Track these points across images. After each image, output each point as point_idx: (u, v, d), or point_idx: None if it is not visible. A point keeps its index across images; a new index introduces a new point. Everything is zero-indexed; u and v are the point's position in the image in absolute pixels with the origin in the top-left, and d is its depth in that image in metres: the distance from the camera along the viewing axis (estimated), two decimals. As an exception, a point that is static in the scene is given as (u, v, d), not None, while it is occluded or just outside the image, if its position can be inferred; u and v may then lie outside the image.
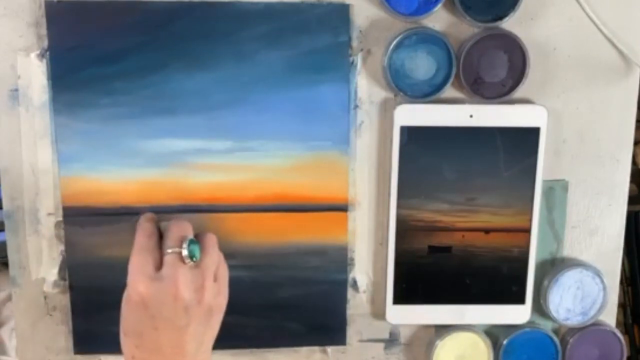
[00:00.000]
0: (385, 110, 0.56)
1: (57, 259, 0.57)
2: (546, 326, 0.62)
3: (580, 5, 0.55)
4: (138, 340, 0.48)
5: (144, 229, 0.50)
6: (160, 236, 0.50)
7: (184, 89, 0.54)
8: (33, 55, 0.53)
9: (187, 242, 0.48)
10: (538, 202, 0.57)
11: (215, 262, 0.50)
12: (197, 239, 0.50)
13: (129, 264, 0.48)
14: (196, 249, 0.49)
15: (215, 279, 0.50)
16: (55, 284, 0.57)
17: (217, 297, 0.50)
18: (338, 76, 0.55)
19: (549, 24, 0.56)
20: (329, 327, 0.60)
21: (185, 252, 0.48)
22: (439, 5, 0.54)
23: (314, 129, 0.56)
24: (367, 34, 0.55)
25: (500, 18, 0.54)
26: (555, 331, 0.62)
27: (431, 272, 0.59)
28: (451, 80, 0.55)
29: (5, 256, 0.57)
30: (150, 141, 0.55)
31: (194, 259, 0.48)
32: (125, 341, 0.49)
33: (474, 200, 0.57)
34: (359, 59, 0.55)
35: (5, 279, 0.73)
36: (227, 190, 0.56)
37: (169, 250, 0.48)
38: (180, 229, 0.50)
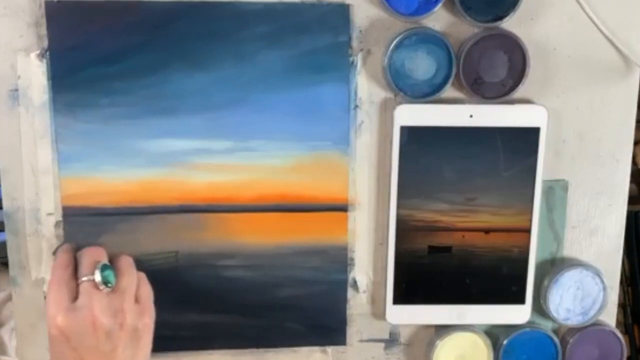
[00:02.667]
0: (385, 110, 0.56)
1: (57, 259, 0.57)
2: (546, 326, 0.62)
3: (580, 5, 0.55)
4: None
5: (59, 259, 0.50)
6: (75, 266, 0.50)
7: (184, 89, 0.54)
8: (33, 55, 0.53)
9: (100, 267, 0.48)
10: (538, 202, 0.57)
11: (133, 283, 0.50)
12: (112, 263, 0.50)
13: (46, 299, 0.48)
14: (110, 274, 0.49)
15: (137, 300, 0.50)
16: (55, 284, 0.57)
17: (142, 318, 0.49)
18: (338, 76, 0.55)
19: (549, 24, 0.56)
20: (329, 327, 0.60)
21: (98, 278, 0.48)
22: (439, 5, 0.53)
23: (314, 129, 0.56)
24: (367, 34, 0.55)
25: (500, 18, 0.54)
26: (555, 331, 0.62)
27: (431, 272, 0.59)
28: (451, 80, 0.55)
29: (5, 256, 0.57)
30: (150, 141, 0.55)
31: (109, 284, 0.48)
32: None
33: (474, 200, 0.57)
34: (359, 59, 0.55)
35: (5, 279, 0.73)
36: (227, 190, 0.56)
37: (84, 279, 0.48)
38: (93, 254, 0.50)
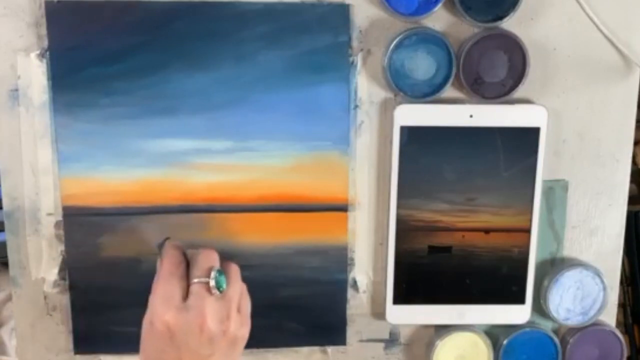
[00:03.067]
0: (385, 110, 0.56)
1: (57, 259, 0.57)
2: (546, 326, 0.62)
3: (580, 5, 0.55)
4: None
5: (171, 256, 0.50)
6: (187, 264, 0.50)
7: (184, 89, 0.54)
8: (33, 55, 0.53)
9: (215, 272, 0.48)
10: (538, 202, 0.57)
11: (238, 293, 0.50)
12: (222, 269, 0.50)
13: (153, 291, 0.48)
14: (223, 279, 0.48)
15: (239, 310, 0.50)
16: (55, 284, 0.57)
17: (241, 328, 0.49)
18: (338, 76, 0.55)
19: (549, 24, 0.56)
20: (329, 327, 0.60)
21: (212, 283, 0.48)
22: (439, 5, 0.54)
23: (314, 129, 0.56)
24: (367, 34, 0.55)
25: (500, 18, 0.54)
26: (555, 331, 0.62)
27: (431, 272, 0.59)
28: (451, 80, 0.55)
29: (5, 256, 0.57)
30: (150, 141, 0.55)
31: (221, 289, 0.48)
32: None
33: (474, 200, 0.57)
34: (359, 59, 0.55)
35: (5, 279, 0.73)
36: (227, 190, 0.56)
37: (196, 280, 0.48)
38: (208, 258, 0.49)
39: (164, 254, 0.50)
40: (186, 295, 0.48)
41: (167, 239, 0.53)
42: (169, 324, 0.46)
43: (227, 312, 0.48)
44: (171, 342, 0.46)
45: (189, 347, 0.47)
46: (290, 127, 0.56)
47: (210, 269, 0.48)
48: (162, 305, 0.47)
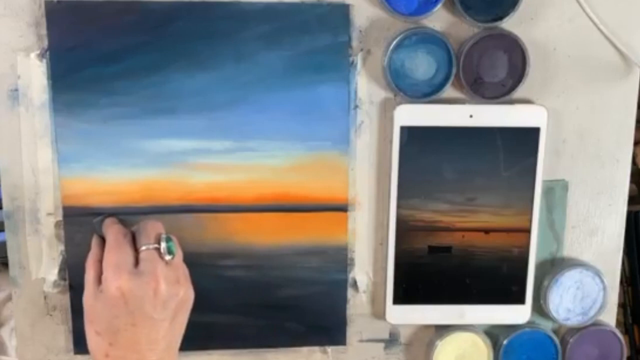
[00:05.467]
0: (385, 110, 0.56)
1: (57, 259, 0.57)
2: (546, 326, 0.62)
3: (580, 5, 0.55)
4: (113, 338, 0.48)
5: (116, 229, 0.51)
6: (132, 236, 0.51)
7: (184, 89, 0.54)
8: (33, 55, 0.53)
9: (165, 238, 0.49)
10: (538, 202, 0.57)
11: (181, 259, 0.51)
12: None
13: (104, 260, 0.49)
14: (173, 245, 0.50)
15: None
16: (55, 284, 0.57)
17: (188, 293, 0.50)
18: (338, 76, 0.55)
19: (549, 24, 0.56)
20: (329, 327, 0.60)
21: (164, 247, 0.49)
22: (439, 5, 0.54)
23: (314, 129, 0.56)
24: (367, 34, 0.55)
25: (500, 18, 0.54)
26: (555, 331, 0.62)
27: (431, 272, 0.59)
28: (451, 80, 0.55)
29: (5, 256, 0.57)
30: (150, 141, 0.55)
31: (172, 254, 0.49)
32: (97, 340, 0.48)
33: (474, 200, 0.57)
34: (359, 59, 0.55)
35: (5, 279, 0.73)
36: (227, 190, 0.56)
37: (145, 247, 0.49)
38: (155, 227, 0.50)
39: (106, 228, 0.52)
40: (136, 262, 0.48)
41: (106, 216, 0.54)
42: (122, 289, 0.47)
43: (177, 276, 0.49)
44: (125, 307, 0.47)
45: (143, 312, 0.47)
46: (290, 127, 0.56)
47: (158, 236, 0.49)
48: (115, 273, 0.47)
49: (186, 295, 0.50)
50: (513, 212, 0.58)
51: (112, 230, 0.51)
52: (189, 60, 0.54)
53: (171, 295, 0.48)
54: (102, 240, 0.52)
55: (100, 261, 0.50)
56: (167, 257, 0.49)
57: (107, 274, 0.48)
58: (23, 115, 0.54)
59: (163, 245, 0.49)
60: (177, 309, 0.49)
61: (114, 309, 0.47)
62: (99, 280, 0.49)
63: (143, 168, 0.55)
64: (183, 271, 0.50)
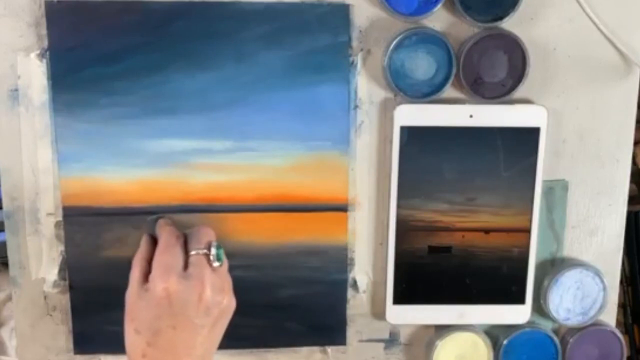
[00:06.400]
0: (385, 110, 0.56)
1: (57, 259, 0.57)
2: (546, 326, 0.62)
3: (580, 5, 0.55)
4: (152, 338, 0.47)
5: (170, 230, 0.51)
6: (184, 239, 0.51)
7: (184, 89, 0.54)
8: (33, 55, 0.53)
9: (215, 245, 0.49)
10: (538, 202, 0.57)
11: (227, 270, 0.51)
12: None
13: (154, 260, 0.49)
14: (222, 253, 0.50)
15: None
16: (55, 284, 0.57)
17: (231, 302, 0.50)
18: (338, 76, 0.55)
19: (549, 24, 0.56)
20: (329, 327, 0.60)
21: (213, 253, 0.49)
22: (439, 5, 0.54)
23: (314, 129, 0.56)
24: (367, 34, 0.55)
25: (500, 18, 0.54)
26: (555, 331, 0.62)
27: (431, 272, 0.59)
28: (451, 80, 0.55)
29: (5, 256, 0.57)
30: (151, 141, 0.55)
31: (220, 262, 0.49)
32: (135, 339, 0.48)
33: (474, 200, 0.57)
34: (359, 59, 0.55)
35: (5, 279, 0.73)
36: (227, 190, 0.56)
37: (195, 252, 0.49)
38: (207, 233, 0.51)
39: (160, 228, 0.52)
40: (186, 266, 0.48)
41: (160, 217, 0.54)
42: (169, 290, 0.47)
43: (222, 285, 0.49)
44: (169, 309, 0.47)
45: (186, 315, 0.47)
46: (290, 127, 0.56)
47: (209, 242, 0.50)
48: (164, 273, 0.47)
49: (229, 304, 0.50)
50: (513, 212, 0.58)
51: (165, 231, 0.51)
52: (189, 60, 0.54)
53: (215, 303, 0.48)
54: (152, 240, 0.52)
55: (147, 260, 0.50)
56: (216, 264, 0.49)
57: (156, 273, 0.48)
58: (23, 115, 0.54)
59: (213, 251, 0.49)
60: (218, 317, 0.49)
61: (157, 309, 0.47)
62: (143, 278, 0.49)
63: (143, 168, 0.55)
64: (228, 281, 0.50)
